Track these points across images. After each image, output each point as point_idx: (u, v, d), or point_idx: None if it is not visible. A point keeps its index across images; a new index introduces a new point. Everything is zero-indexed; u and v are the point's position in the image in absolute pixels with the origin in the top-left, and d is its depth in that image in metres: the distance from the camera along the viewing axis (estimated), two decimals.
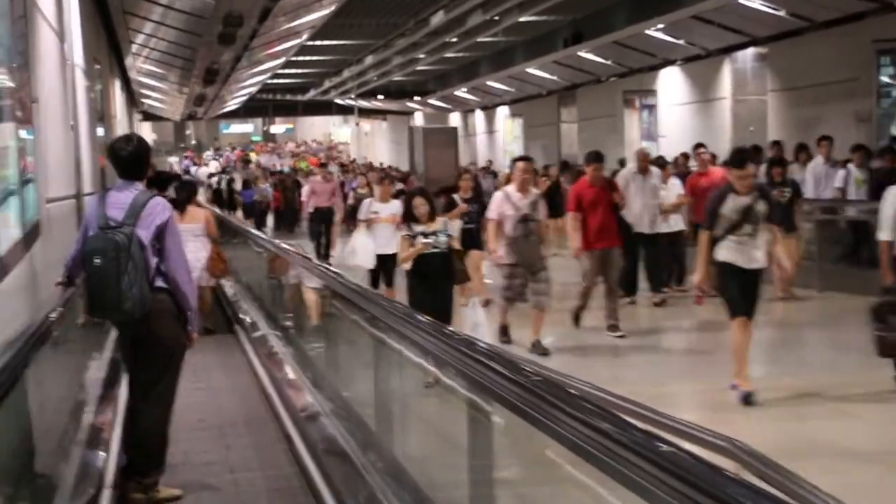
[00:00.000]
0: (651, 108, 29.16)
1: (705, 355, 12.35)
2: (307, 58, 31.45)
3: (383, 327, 6.49)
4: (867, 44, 20.15)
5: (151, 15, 18.53)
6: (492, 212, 12.48)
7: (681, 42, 24.42)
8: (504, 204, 12.17)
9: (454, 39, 26.14)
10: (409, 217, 10.26)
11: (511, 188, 12.44)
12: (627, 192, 14.87)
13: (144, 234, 6.46)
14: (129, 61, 26.06)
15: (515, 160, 11.80)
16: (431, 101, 43.85)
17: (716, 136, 24.06)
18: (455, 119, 44.93)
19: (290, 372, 10.07)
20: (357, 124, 52.97)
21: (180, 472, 7.06)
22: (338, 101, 46.72)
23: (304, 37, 23.86)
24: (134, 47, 23.82)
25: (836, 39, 20.65)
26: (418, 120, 46.33)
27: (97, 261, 6.42)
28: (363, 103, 46.63)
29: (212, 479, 7.09)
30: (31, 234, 7.13)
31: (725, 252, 10.10)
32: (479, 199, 16.15)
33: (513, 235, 11.91)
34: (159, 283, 6.60)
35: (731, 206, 10.01)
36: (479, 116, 44.02)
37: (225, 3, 15.11)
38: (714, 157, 18.10)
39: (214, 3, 15.21)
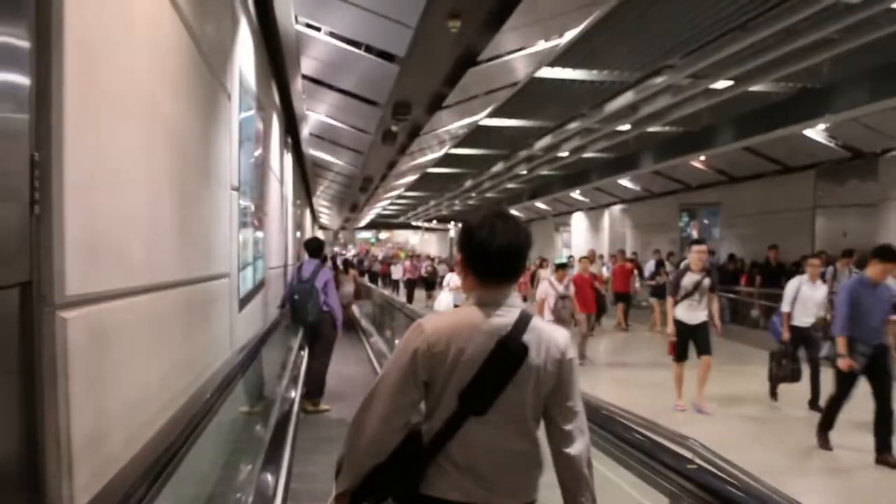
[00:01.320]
0: (569, 233, 28.46)
1: None
2: (399, 201, 31.22)
3: None
4: (676, 205, 19.60)
5: (327, 175, 18.37)
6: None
7: (586, 199, 24.06)
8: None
9: (473, 195, 25.84)
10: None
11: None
12: None
13: (319, 284, 7.08)
14: (314, 199, 25.96)
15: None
16: (459, 225, 43.88)
17: (600, 248, 23.69)
18: None
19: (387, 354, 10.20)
20: (423, 235, 52.81)
21: (329, 398, 7.39)
22: (413, 222, 46.59)
23: (401, 190, 23.80)
24: (317, 192, 23.68)
25: (661, 202, 20.15)
26: (451, 233, 46.02)
27: (296, 297, 7.11)
28: (426, 224, 46.79)
29: (344, 403, 7.19)
30: (261, 284, 7.32)
31: None
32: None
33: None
34: (324, 308, 7.09)
35: None
36: None
37: (364, 170, 14.89)
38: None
39: (360, 170, 14.96)
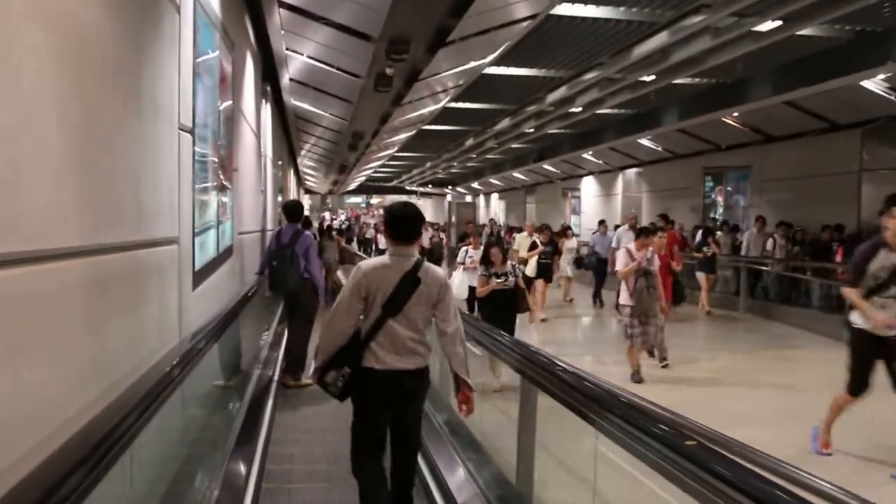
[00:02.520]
0: (577, 198, 27.54)
1: None
2: (393, 162, 30.29)
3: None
4: (699, 168, 18.67)
5: (313, 130, 17.41)
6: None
7: (599, 161, 23.03)
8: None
9: (473, 156, 24.76)
10: (486, 261, 7.72)
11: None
12: None
13: (298, 250, 6.97)
14: (299, 160, 25.17)
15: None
16: (458, 188, 42.98)
17: (611, 215, 22.89)
18: (468, 198, 43.83)
19: None
20: (418, 199, 51.72)
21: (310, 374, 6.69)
22: (407, 186, 45.49)
23: (394, 150, 22.84)
24: (302, 151, 22.85)
25: (682, 164, 19.20)
26: (448, 198, 45.02)
27: (275, 263, 7.03)
28: (421, 189, 45.72)
29: None
30: (228, 252, 6.48)
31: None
32: (554, 244, 13.49)
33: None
34: (305, 275, 6.96)
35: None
36: (481, 198, 43.10)
37: (354, 124, 13.93)
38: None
39: (349, 124, 14.01)
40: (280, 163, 16.79)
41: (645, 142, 18.54)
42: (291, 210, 7.56)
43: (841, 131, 13.51)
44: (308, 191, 44.75)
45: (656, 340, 8.56)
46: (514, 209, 35.70)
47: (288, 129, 17.19)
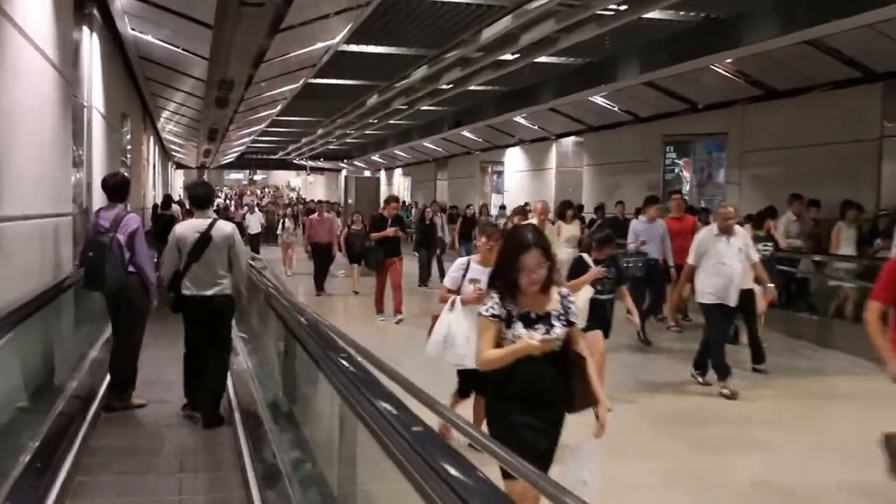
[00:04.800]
0: (499, 174, 25.14)
1: None
2: (276, 129, 27.19)
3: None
4: (658, 136, 16.38)
5: (169, 81, 14.41)
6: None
7: (533, 126, 20.32)
8: None
9: (374, 121, 21.95)
10: (506, 283, 3.17)
11: None
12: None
13: (121, 237, 6.15)
14: (160, 124, 22.32)
15: None
16: (355, 162, 39.82)
17: (543, 195, 20.42)
18: (366, 174, 40.68)
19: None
20: (308, 175, 47.85)
21: (146, 388, 6.50)
22: (295, 160, 41.67)
23: (276, 110, 19.69)
24: (164, 113, 20.06)
25: (637, 131, 16.89)
26: (343, 174, 41.70)
27: (90, 254, 6.18)
28: (311, 163, 41.97)
29: (167, 395, 6.28)
30: None
31: None
32: (616, 262, 6.80)
33: None
34: (131, 268, 6.16)
35: None
36: (383, 174, 40.17)
37: (220, 66, 11.11)
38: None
39: (211, 65, 11.00)
40: (127, 128, 13.49)
41: (598, 100, 15.84)
42: (113, 187, 6.55)
43: (847, 88, 11.25)
44: (179, 165, 40.93)
45: None
46: (421, 187, 33.04)
47: (136, 78, 13.90)
